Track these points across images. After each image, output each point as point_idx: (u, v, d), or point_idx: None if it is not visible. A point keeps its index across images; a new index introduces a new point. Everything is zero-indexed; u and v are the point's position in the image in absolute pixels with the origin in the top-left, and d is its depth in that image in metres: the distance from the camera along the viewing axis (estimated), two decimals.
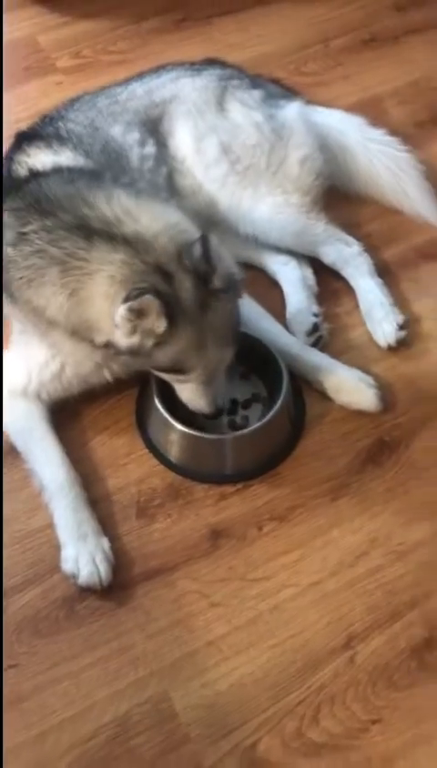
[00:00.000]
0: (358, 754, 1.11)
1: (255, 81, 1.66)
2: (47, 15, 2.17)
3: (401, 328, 1.48)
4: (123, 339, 1.20)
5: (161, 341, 1.18)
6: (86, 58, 2.07)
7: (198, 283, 1.18)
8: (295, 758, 1.11)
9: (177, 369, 1.25)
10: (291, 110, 1.61)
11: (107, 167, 1.38)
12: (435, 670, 1.17)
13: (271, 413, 1.32)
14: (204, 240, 1.17)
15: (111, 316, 1.19)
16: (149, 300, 1.13)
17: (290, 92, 1.72)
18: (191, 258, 1.17)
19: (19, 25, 2.14)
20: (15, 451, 1.37)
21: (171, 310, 1.16)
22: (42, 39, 2.12)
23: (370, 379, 1.42)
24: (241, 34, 2.09)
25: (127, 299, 1.15)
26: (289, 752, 1.11)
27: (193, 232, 1.24)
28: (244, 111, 1.57)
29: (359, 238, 1.61)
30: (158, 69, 1.65)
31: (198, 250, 1.17)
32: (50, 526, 1.29)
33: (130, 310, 1.15)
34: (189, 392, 1.29)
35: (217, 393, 1.30)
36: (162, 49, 2.04)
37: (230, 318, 1.24)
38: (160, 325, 1.16)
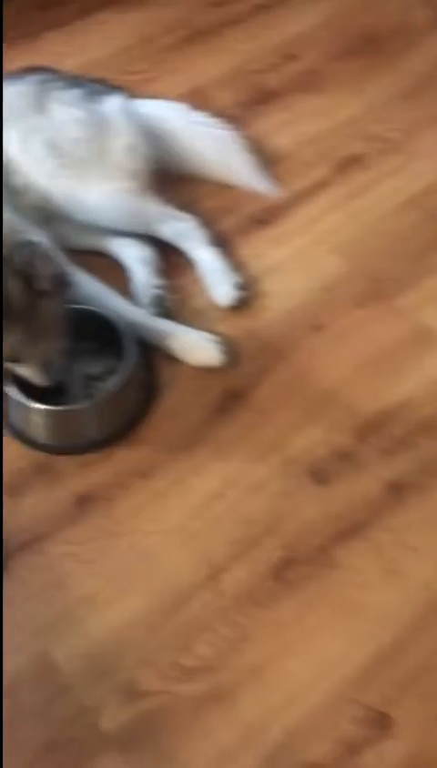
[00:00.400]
0: (229, 672, 1.19)
1: (75, 81, 1.76)
2: None
3: (240, 289, 1.60)
4: None
5: None
6: None
7: (25, 285, 1.28)
8: (171, 685, 1.18)
9: (12, 359, 1.35)
10: (112, 103, 1.72)
11: None
12: (293, 584, 1.26)
13: (118, 379, 1.40)
14: (29, 245, 1.26)
15: None
16: None
17: (113, 88, 1.83)
18: (15, 265, 1.27)
19: None
20: None
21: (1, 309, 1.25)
22: None
23: (213, 338, 1.52)
24: (69, 45, 2.20)
25: None
26: (166, 680, 1.18)
27: (22, 233, 1.33)
28: (65, 109, 1.67)
29: (197, 214, 1.72)
30: None
31: (24, 254, 1.26)
32: None
33: None
34: (25, 370, 1.39)
35: (50, 369, 1.39)
36: None
37: (58, 315, 1.35)
38: None
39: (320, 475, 1.37)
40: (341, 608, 1.24)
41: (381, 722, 1.12)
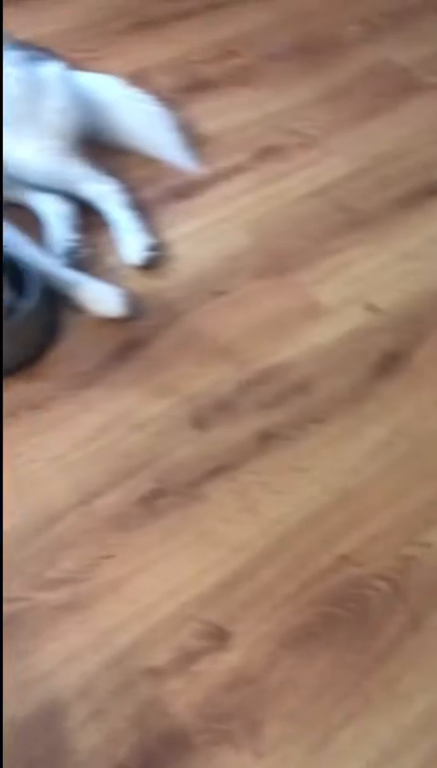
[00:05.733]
0: (89, 584, 1.27)
1: (19, 45, 1.86)
2: None
3: (151, 250, 1.71)
4: None
5: None
6: None
7: None
8: (33, 593, 1.25)
9: None
10: (50, 69, 1.82)
11: None
12: (161, 512, 1.35)
13: (18, 314, 1.49)
14: None
15: None
16: None
17: (54, 57, 1.93)
18: None
19: None
20: None
21: None
22: None
23: (118, 290, 1.61)
24: (25, 18, 2.30)
25: None
26: (29, 589, 1.26)
27: None
28: (5, 68, 1.76)
29: (123, 182, 1.83)
30: None
31: None
32: None
33: None
34: None
35: None
36: None
37: None
38: None
39: (199, 420, 1.47)
40: (201, 537, 1.33)
41: (219, 636, 1.21)
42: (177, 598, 1.26)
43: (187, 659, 1.20)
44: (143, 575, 1.29)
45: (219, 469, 1.40)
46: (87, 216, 1.79)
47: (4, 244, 1.55)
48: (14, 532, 1.32)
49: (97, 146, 1.88)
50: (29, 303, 1.52)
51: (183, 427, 1.46)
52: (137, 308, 1.63)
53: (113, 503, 1.36)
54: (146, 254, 1.69)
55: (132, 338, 1.60)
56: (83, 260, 1.68)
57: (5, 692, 1.15)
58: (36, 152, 1.73)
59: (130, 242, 1.71)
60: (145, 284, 1.69)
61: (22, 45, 1.87)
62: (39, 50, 1.92)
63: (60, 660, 1.20)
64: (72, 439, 1.44)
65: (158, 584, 1.28)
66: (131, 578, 1.28)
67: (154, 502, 1.37)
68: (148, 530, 1.34)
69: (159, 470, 1.41)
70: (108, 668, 1.19)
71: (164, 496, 1.38)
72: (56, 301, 1.62)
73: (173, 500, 1.37)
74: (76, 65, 2.02)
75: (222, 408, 1.49)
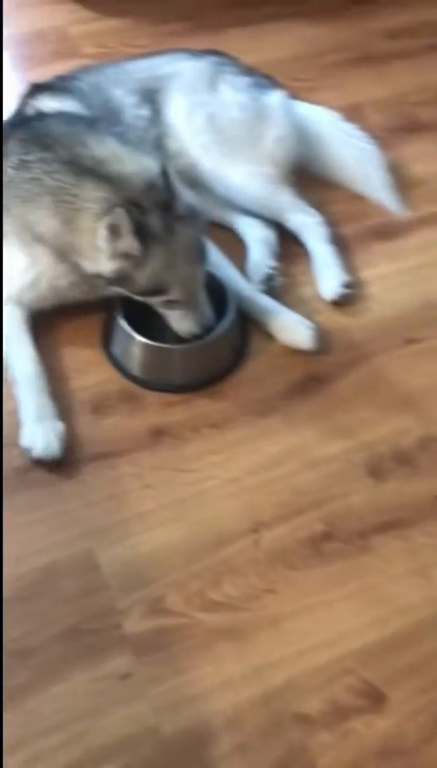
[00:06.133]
0: (249, 614, 1.28)
1: (247, 71, 1.91)
2: (80, 12, 2.47)
3: (347, 287, 1.70)
4: (107, 266, 1.41)
5: (137, 262, 1.40)
6: (108, 48, 2.35)
7: (163, 211, 1.41)
8: (194, 611, 1.28)
9: (158, 290, 1.45)
10: (274, 97, 1.86)
11: (103, 119, 1.62)
12: (327, 557, 1.34)
13: (215, 333, 1.52)
14: (164, 173, 1.39)
15: (96, 248, 1.41)
16: (119, 213, 1.34)
17: (277, 85, 1.97)
18: (156, 191, 1.40)
19: (54, 16, 2.45)
20: None
21: (144, 235, 1.38)
22: (72, 30, 2.41)
23: (309, 323, 1.62)
24: (249, 43, 2.36)
25: (102, 216, 1.37)
26: (190, 606, 1.28)
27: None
28: (232, 92, 1.81)
29: (324, 215, 1.83)
30: (165, 51, 1.92)
31: (160, 182, 1.39)
32: (15, 412, 1.49)
33: (107, 228, 1.37)
34: (178, 316, 1.50)
35: (202, 314, 1.50)
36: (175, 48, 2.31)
37: (194, 241, 1.45)
38: (134, 246, 1.38)
39: (376, 469, 1.45)
40: (365, 591, 1.30)
41: (375, 697, 1.19)
42: (335, 648, 1.24)
43: (339, 714, 1.17)
44: (303, 617, 1.28)
45: (392, 524, 1.37)
46: (287, 244, 1.80)
47: (210, 264, 1.59)
48: (182, 545, 1.35)
49: (305, 176, 1.90)
50: (225, 323, 1.55)
51: (358, 473, 1.44)
52: (324, 344, 1.63)
53: (280, 538, 1.36)
54: (341, 290, 1.68)
55: (316, 372, 1.60)
56: (278, 288, 1.70)
57: (157, 702, 1.18)
58: (249, 177, 1.77)
59: (327, 277, 1.71)
60: (335, 320, 1.68)
61: (248, 71, 1.93)
62: (263, 77, 1.97)
63: (213, 684, 1.21)
64: (248, 464, 1.46)
65: (318, 630, 1.26)
66: (291, 617, 1.28)
67: (321, 545, 1.35)
68: (313, 572, 1.33)
69: (330, 514, 1.39)
70: (260, 704, 1.19)
71: (332, 540, 1.36)
72: (247, 325, 1.65)
73: (340, 547, 1.35)
74: (294, 93, 2.05)
75: (401, 460, 1.46)
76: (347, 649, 1.24)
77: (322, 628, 1.26)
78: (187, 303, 1.48)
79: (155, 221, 1.40)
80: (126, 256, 1.40)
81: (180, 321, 1.50)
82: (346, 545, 1.35)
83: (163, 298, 1.46)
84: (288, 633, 1.26)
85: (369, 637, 1.25)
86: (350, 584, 1.31)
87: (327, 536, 1.36)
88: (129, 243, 1.38)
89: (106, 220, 1.37)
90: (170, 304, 1.48)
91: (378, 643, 1.24)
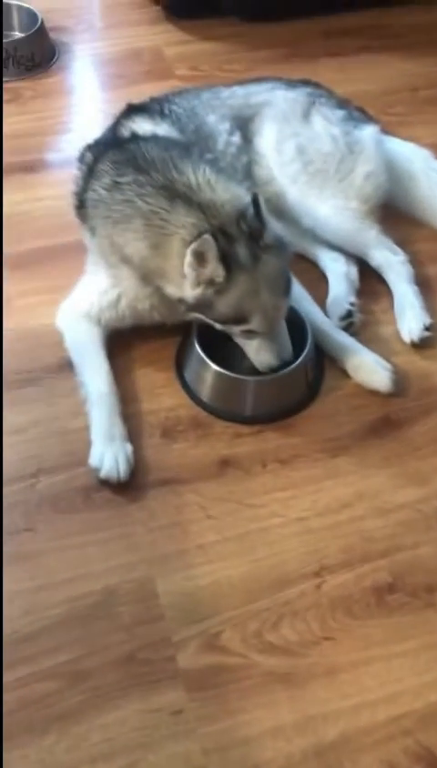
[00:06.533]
0: (306, 661, 1.24)
1: (341, 103, 1.90)
2: (175, 33, 2.50)
3: (427, 329, 1.66)
4: (190, 292, 1.41)
5: (221, 289, 1.39)
6: (201, 72, 2.37)
7: (251, 240, 1.40)
8: (250, 652, 1.25)
9: (239, 318, 1.43)
10: (367, 131, 1.83)
11: (196, 144, 1.62)
12: (391, 609, 1.30)
13: (290, 368, 1.50)
14: (255, 202, 1.38)
15: (181, 273, 1.41)
16: (207, 240, 1.34)
17: (370, 119, 1.95)
18: (246, 220, 1.39)
19: (150, 36, 2.48)
20: (68, 365, 1.58)
21: (229, 262, 1.37)
22: (167, 51, 2.43)
23: (387, 365, 1.59)
24: (341, 74, 2.35)
25: (190, 243, 1.37)
26: (247, 646, 1.26)
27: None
28: (325, 124, 1.80)
29: (407, 253, 1.80)
30: (259, 79, 1.92)
31: (251, 211, 1.38)
32: (86, 429, 1.49)
33: (193, 254, 1.37)
34: (257, 347, 1.47)
35: (281, 347, 1.48)
36: (269, 75, 2.31)
37: (280, 271, 1.43)
38: (219, 273, 1.37)
39: None
40: (429, 648, 1.26)
41: (432, 764, 1.14)
42: (394, 707, 1.20)
43: None
44: (361, 670, 1.24)
45: None
46: (369, 281, 1.77)
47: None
48: (242, 582, 1.32)
49: (390, 212, 1.86)
50: (303, 358, 1.53)
51: (429, 524, 1.40)
52: (401, 386, 1.59)
53: (344, 584, 1.32)
54: (422, 332, 1.64)
55: (390, 415, 1.56)
56: (357, 325, 1.67)
57: (206, 742, 1.16)
58: (336, 211, 1.75)
59: (408, 317, 1.67)
60: (414, 363, 1.64)
61: (341, 103, 1.91)
62: (357, 109, 1.96)
63: (265, 730, 1.18)
64: (315, 504, 1.42)
65: (376, 686, 1.22)
66: (349, 669, 1.24)
67: (385, 596, 1.31)
68: (375, 623, 1.29)
69: (397, 564, 1.35)
70: (312, 757, 1.15)
71: (397, 592, 1.32)
72: (323, 360, 1.62)
73: (406, 600, 1.31)
74: (384, 128, 2.03)
75: None
76: (406, 709, 1.20)
77: (380, 684, 1.22)
78: (266, 335, 1.46)
79: (242, 250, 1.39)
80: (209, 282, 1.40)
81: (258, 353, 1.48)
82: (411, 598, 1.31)
83: (243, 327, 1.45)
84: (344, 685, 1.22)
85: (431, 698, 1.21)
86: (413, 640, 1.27)
87: (392, 587, 1.32)
88: (214, 269, 1.37)
89: (193, 246, 1.36)
90: (249, 334, 1.46)
91: None
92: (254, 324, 1.43)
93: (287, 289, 1.45)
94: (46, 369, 1.61)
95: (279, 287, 1.42)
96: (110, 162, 1.54)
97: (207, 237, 1.35)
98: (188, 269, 1.39)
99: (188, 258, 1.38)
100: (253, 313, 1.42)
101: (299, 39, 2.48)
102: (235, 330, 1.46)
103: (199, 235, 1.36)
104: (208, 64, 2.39)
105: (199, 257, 1.37)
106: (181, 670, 1.23)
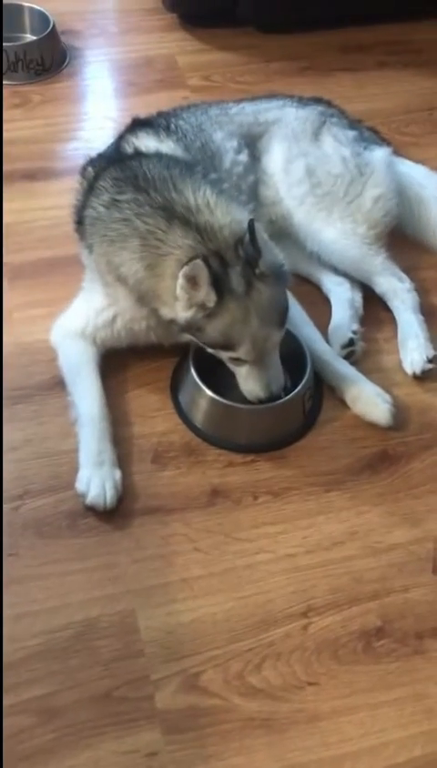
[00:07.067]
0: (288, 706, 1.21)
1: (352, 123, 1.86)
2: (189, 41, 2.45)
3: (430, 361, 1.61)
4: (181, 313, 1.37)
5: (211, 314, 1.35)
6: (214, 82, 2.33)
7: (246, 267, 1.35)
8: (231, 694, 1.21)
9: (227, 345, 1.39)
10: (378, 154, 1.79)
11: (201, 163, 1.58)
12: (378, 655, 1.26)
13: (287, 397, 1.46)
14: (251, 228, 1.34)
15: (174, 294, 1.37)
16: (197, 265, 1.30)
17: (382, 141, 1.91)
18: (243, 246, 1.35)
19: (163, 44, 2.43)
20: (61, 383, 1.55)
21: (221, 287, 1.34)
22: (180, 59, 2.39)
23: (387, 397, 1.54)
24: (356, 89, 2.31)
25: (183, 266, 1.33)
26: (228, 688, 1.22)
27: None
28: (335, 145, 1.76)
29: (413, 280, 1.75)
30: (270, 96, 1.88)
31: (246, 237, 1.34)
32: (76, 451, 1.45)
33: (184, 277, 1.33)
34: (245, 376, 1.43)
35: (271, 378, 1.43)
36: (283, 88, 2.23)
37: (274, 302, 1.38)
38: (211, 299, 1.33)
39: None
40: (416, 699, 1.22)
41: None
42: (376, 760, 1.16)
43: None
44: (344, 718, 1.20)
45: None
46: (373, 308, 1.73)
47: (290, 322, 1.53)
48: (226, 620, 1.29)
49: (397, 237, 1.82)
50: (300, 387, 1.49)
51: (423, 568, 1.36)
52: (400, 420, 1.54)
53: (331, 627, 1.28)
54: (425, 365, 1.60)
55: (388, 450, 1.51)
56: (358, 353, 1.63)
57: None
58: (343, 235, 1.70)
59: (412, 348, 1.62)
60: (415, 396, 1.60)
61: (353, 124, 1.87)
62: (369, 130, 1.91)
63: None
64: (305, 540, 1.38)
65: (359, 736, 1.18)
66: (331, 716, 1.20)
67: (373, 641, 1.27)
68: (360, 669, 1.25)
69: (387, 608, 1.31)
70: None
71: (385, 637, 1.28)
72: (322, 389, 1.58)
73: (394, 647, 1.27)
74: (397, 148, 1.98)
75: None
76: (388, 762, 1.16)
77: (364, 734, 1.18)
78: (255, 364, 1.41)
79: (235, 276, 1.35)
80: (201, 306, 1.36)
81: (247, 382, 1.43)
82: (400, 645, 1.27)
83: (231, 354, 1.40)
84: (326, 734, 1.18)
85: (414, 752, 1.17)
86: (400, 689, 1.23)
87: (380, 632, 1.28)
88: (205, 294, 1.34)
89: (185, 270, 1.33)
90: (238, 362, 1.42)
91: (425, 760, 1.16)
92: (241, 352, 1.39)
93: (280, 321, 1.40)
94: (40, 387, 1.57)
95: (271, 317, 1.37)
96: (110, 179, 1.50)
97: (198, 261, 1.31)
98: (180, 291, 1.35)
99: (181, 281, 1.34)
100: (241, 341, 1.37)
101: (316, 52, 2.43)
102: (224, 356, 1.42)
103: (192, 258, 1.32)
104: (221, 74, 2.34)
105: (191, 281, 1.34)
106: (159, 710, 1.19)
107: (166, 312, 1.42)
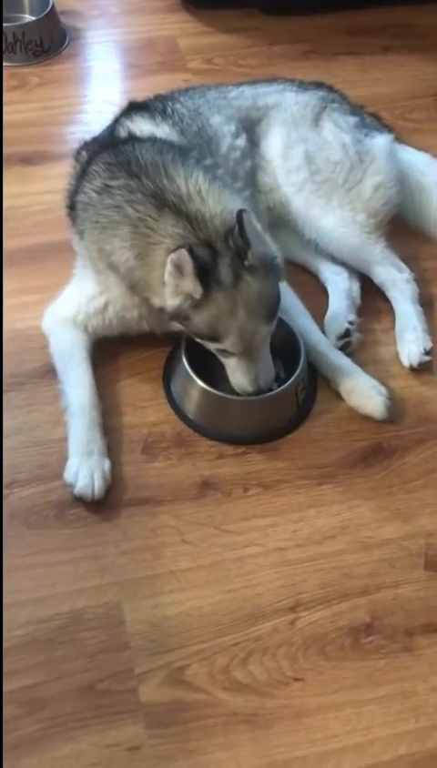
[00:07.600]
0: (273, 702, 1.20)
1: (354, 109, 1.82)
2: (191, 23, 2.40)
3: (427, 353, 1.59)
4: (169, 300, 1.35)
5: (197, 304, 1.33)
6: (216, 65, 2.28)
7: (236, 258, 1.32)
8: (215, 689, 1.20)
9: (213, 336, 1.37)
10: (379, 140, 1.75)
11: (197, 147, 1.55)
12: (366, 652, 1.24)
13: (280, 389, 1.44)
14: (239, 219, 1.30)
15: (163, 282, 1.34)
16: (182, 254, 1.27)
17: (384, 127, 1.86)
18: (234, 236, 1.32)
19: (164, 25, 2.39)
20: (53, 371, 1.53)
21: (208, 278, 1.31)
22: (181, 42, 2.34)
23: (383, 390, 1.52)
24: (360, 74, 2.27)
25: (170, 254, 1.30)
26: (213, 682, 1.21)
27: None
28: (335, 131, 1.72)
29: (413, 270, 1.72)
30: (270, 80, 1.84)
31: (236, 228, 1.31)
32: (65, 440, 1.44)
33: (172, 264, 1.30)
34: (234, 368, 1.40)
35: (259, 372, 1.40)
36: (286, 72, 2.20)
37: (263, 295, 1.35)
38: (197, 290, 1.31)
39: (432, 562, 1.34)
40: (403, 696, 1.20)
41: None
42: (361, 757, 1.14)
43: None
44: (330, 715, 1.19)
45: None
46: (371, 297, 1.70)
47: (284, 310, 1.50)
48: (213, 613, 1.27)
49: (397, 225, 1.79)
50: (293, 379, 1.46)
51: (415, 564, 1.34)
52: (395, 413, 1.52)
53: (319, 622, 1.27)
54: (421, 357, 1.57)
55: (382, 443, 1.49)
56: (354, 344, 1.60)
57: None
58: (341, 223, 1.67)
59: (409, 340, 1.60)
60: (411, 388, 1.57)
61: (355, 110, 1.82)
62: (371, 116, 1.87)
63: None
64: (296, 534, 1.37)
65: (344, 733, 1.17)
66: (317, 713, 1.19)
67: (361, 638, 1.26)
68: (347, 665, 1.23)
69: (376, 603, 1.29)
70: None
71: (374, 634, 1.26)
72: (316, 380, 1.56)
73: (382, 643, 1.25)
74: (399, 134, 1.94)
75: None
76: (373, 760, 1.14)
77: (349, 731, 1.17)
78: (243, 357, 1.39)
79: (224, 267, 1.32)
80: (186, 295, 1.33)
81: (235, 374, 1.41)
82: (388, 641, 1.25)
83: (217, 345, 1.38)
84: (311, 731, 1.17)
85: (399, 750, 1.16)
86: (387, 686, 1.21)
87: (369, 628, 1.27)
88: (190, 284, 1.31)
89: (172, 257, 1.30)
90: (226, 353, 1.40)
91: (410, 759, 1.14)
92: (227, 344, 1.36)
93: (269, 315, 1.37)
94: (31, 374, 1.56)
95: (258, 311, 1.34)
96: (103, 163, 1.47)
97: (183, 251, 1.28)
98: (167, 278, 1.32)
99: (169, 267, 1.31)
100: (227, 333, 1.35)
101: (320, 35, 2.38)
102: (211, 347, 1.40)
103: (180, 247, 1.29)
104: (223, 57, 2.29)
105: (179, 268, 1.31)
106: (142, 704, 1.18)
107: (156, 301, 1.40)
